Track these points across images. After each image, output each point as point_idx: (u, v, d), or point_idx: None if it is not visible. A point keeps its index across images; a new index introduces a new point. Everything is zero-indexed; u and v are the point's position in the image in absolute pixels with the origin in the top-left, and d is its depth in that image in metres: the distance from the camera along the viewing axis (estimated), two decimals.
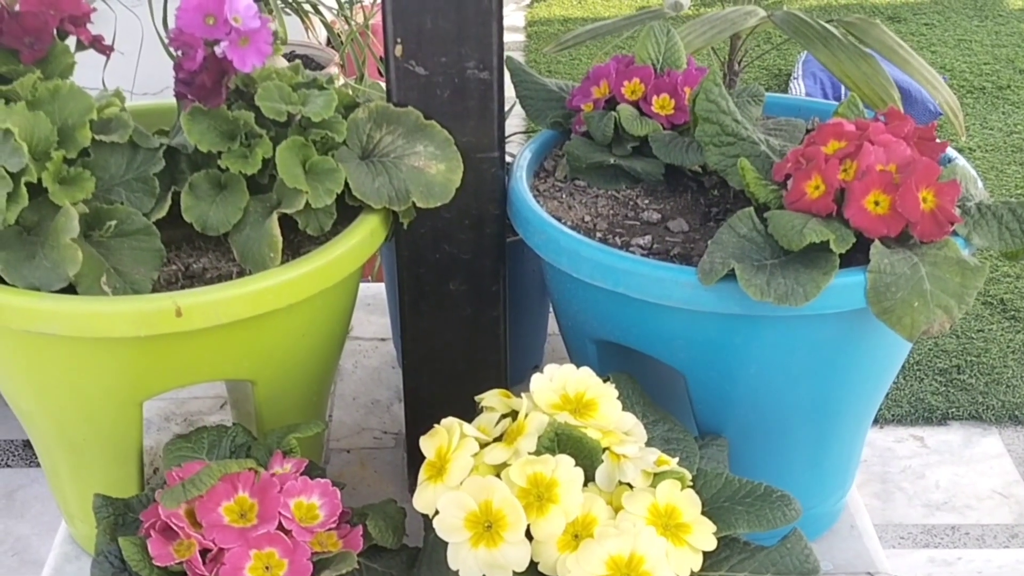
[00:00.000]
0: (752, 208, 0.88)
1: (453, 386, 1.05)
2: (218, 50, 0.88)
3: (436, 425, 0.85)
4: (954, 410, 2.38)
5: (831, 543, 1.03)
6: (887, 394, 2.38)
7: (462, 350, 1.04)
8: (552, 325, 1.29)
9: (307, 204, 0.89)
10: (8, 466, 1.89)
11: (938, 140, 0.91)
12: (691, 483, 0.84)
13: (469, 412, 0.96)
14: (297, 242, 0.94)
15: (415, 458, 1.08)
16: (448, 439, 0.83)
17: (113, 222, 0.87)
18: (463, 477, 0.81)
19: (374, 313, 1.37)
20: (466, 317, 1.03)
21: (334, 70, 2.04)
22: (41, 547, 1.73)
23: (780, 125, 1.02)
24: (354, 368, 1.28)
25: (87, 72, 1.03)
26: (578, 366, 0.87)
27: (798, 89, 3.00)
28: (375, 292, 1.39)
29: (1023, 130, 3.16)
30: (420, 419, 1.07)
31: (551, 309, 1.27)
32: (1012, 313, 2.59)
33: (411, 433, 1.08)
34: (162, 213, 0.90)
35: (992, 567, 2.03)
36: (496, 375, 1.05)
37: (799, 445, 0.97)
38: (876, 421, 2.34)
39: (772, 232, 0.86)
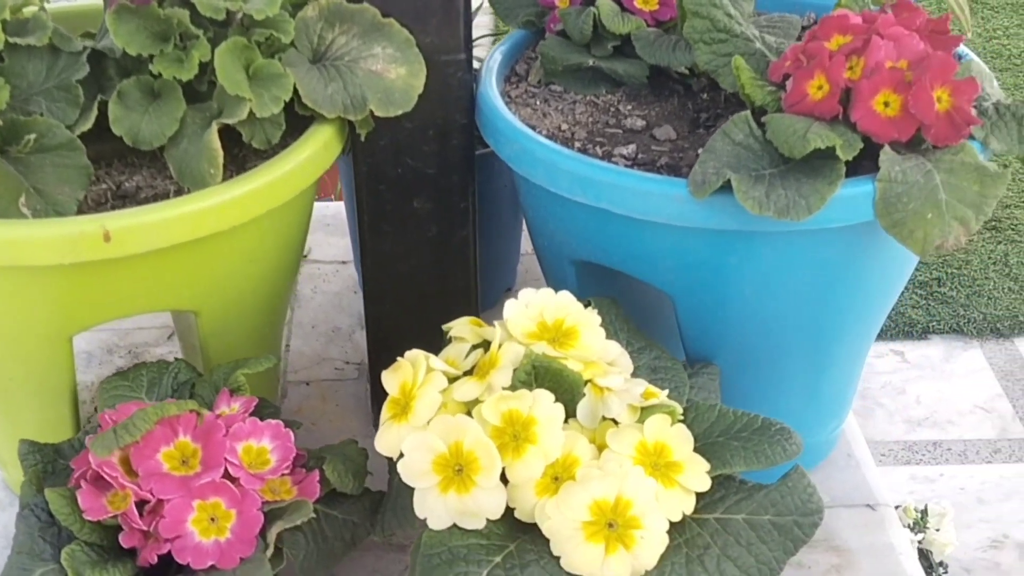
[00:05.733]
0: (748, 112, 0.79)
1: (419, 314, 0.96)
2: None
3: (400, 358, 0.76)
4: (935, 324, 2.32)
5: (827, 473, 0.97)
6: None
7: (428, 274, 0.95)
8: (526, 245, 1.20)
9: (251, 113, 0.79)
10: None
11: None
12: (682, 417, 0.76)
13: (436, 342, 0.88)
14: (242, 157, 0.84)
15: (378, 392, 1.00)
16: (413, 374, 0.75)
17: (32, 136, 0.77)
18: (430, 416, 0.73)
19: (334, 234, 1.27)
20: (432, 238, 0.94)
21: None
22: None
23: (774, 22, 0.93)
24: (313, 293, 1.19)
25: None
26: (556, 290, 0.79)
27: None
28: (335, 211, 1.30)
29: (1002, 35, 3.08)
30: (383, 350, 0.98)
31: (524, 228, 1.18)
32: (993, 224, 2.53)
33: (374, 365, 1.00)
34: (88, 125, 0.80)
35: (975, 483, 1.99)
36: (466, 301, 0.97)
37: (795, 371, 0.90)
38: None
39: (771, 138, 0.77)
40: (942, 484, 1.99)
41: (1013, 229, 2.52)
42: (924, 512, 1.65)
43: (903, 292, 2.31)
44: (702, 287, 0.83)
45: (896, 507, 1.66)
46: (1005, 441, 2.09)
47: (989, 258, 2.45)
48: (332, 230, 1.28)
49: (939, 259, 2.46)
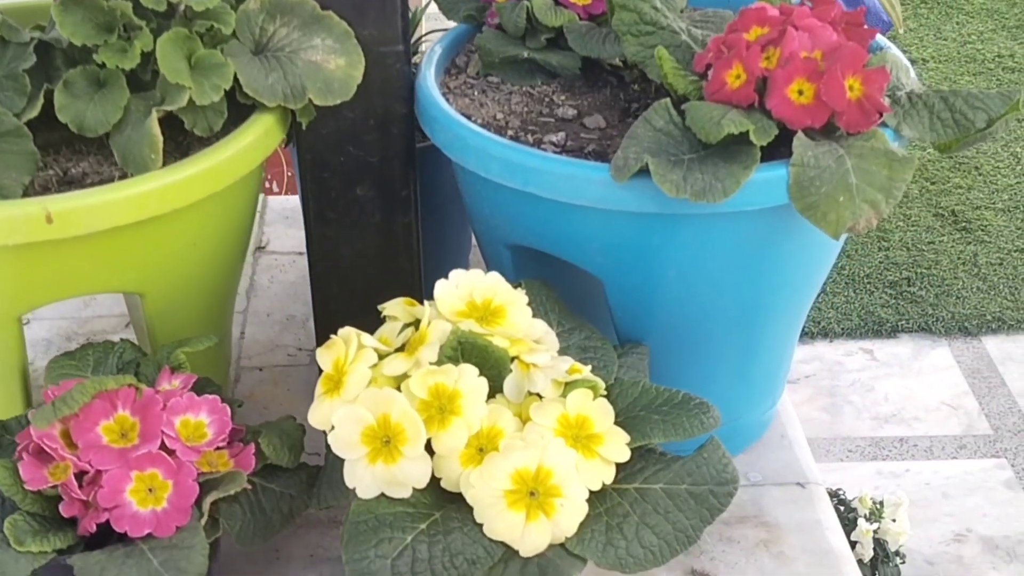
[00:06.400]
0: (668, 100, 0.82)
1: (364, 299, 0.99)
2: None
3: (333, 336, 0.79)
4: (904, 322, 2.35)
5: (760, 453, 1.00)
6: (837, 307, 2.36)
7: (373, 260, 0.98)
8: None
9: (191, 101, 0.82)
10: None
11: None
12: (605, 392, 0.79)
13: (380, 326, 0.91)
14: (187, 144, 0.87)
15: None
16: (345, 350, 0.78)
17: None
18: (360, 390, 0.76)
19: (292, 227, 1.30)
20: (376, 224, 0.97)
21: None
22: None
23: (707, 17, 0.96)
24: (270, 283, 1.22)
25: None
26: None
27: None
28: (294, 205, 1.33)
29: (976, 40, 3.11)
30: (331, 334, 1.01)
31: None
32: (963, 225, 2.56)
33: None
34: (34, 112, 0.83)
35: (939, 478, 2.02)
36: (410, 286, 1.00)
37: (724, 353, 0.93)
38: (825, 335, 2.32)
39: (690, 124, 0.80)
40: (908, 479, 2.02)
41: (983, 230, 2.55)
42: (880, 503, 1.68)
43: (873, 291, 2.36)
44: (629, 269, 0.86)
45: (853, 498, 1.70)
46: (971, 437, 2.12)
47: (959, 258, 2.48)
48: (291, 223, 1.31)
49: (909, 259, 2.50)
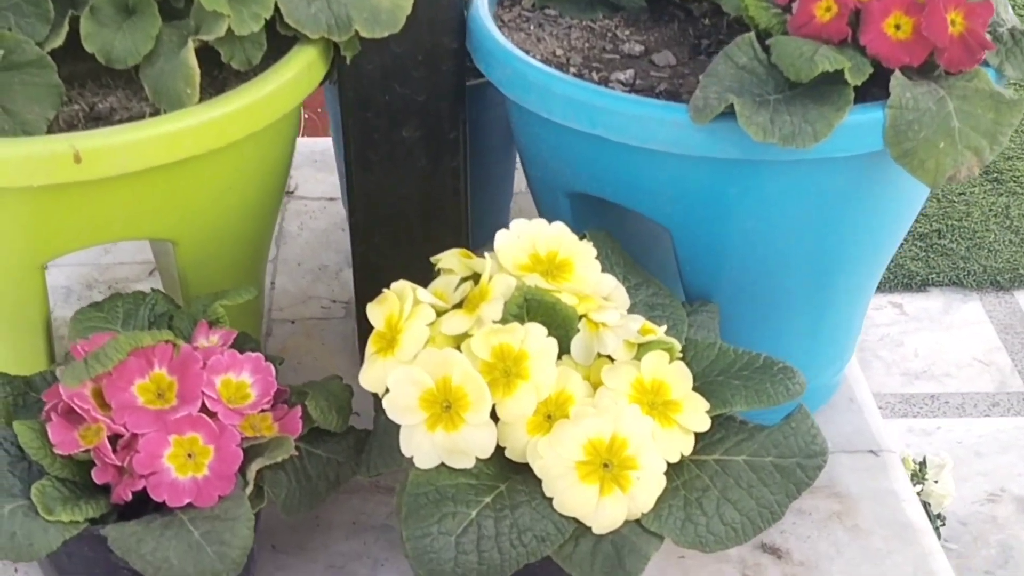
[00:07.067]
0: (752, 34, 0.75)
1: (408, 249, 0.93)
2: None
3: (386, 290, 0.73)
4: (934, 276, 2.29)
5: (828, 418, 0.93)
6: None
7: (417, 207, 0.92)
8: (519, 182, 1.17)
9: (229, 31, 0.75)
10: None
11: None
12: (680, 355, 0.73)
13: (426, 279, 0.84)
14: (222, 79, 0.80)
15: (365, 331, 0.97)
16: (399, 306, 0.71)
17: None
18: (417, 350, 0.70)
19: (322, 170, 1.23)
20: (422, 169, 0.90)
21: None
22: None
23: None
24: (299, 230, 1.15)
25: None
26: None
27: None
28: (323, 148, 1.26)
29: None
30: (371, 286, 0.94)
31: (517, 163, 1.14)
32: (995, 175, 2.49)
33: (361, 302, 0.96)
34: (58, 42, 0.76)
35: (972, 436, 1.97)
36: (456, 235, 0.93)
37: (796, 310, 0.86)
38: None
39: (776, 61, 0.73)
40: (939, 437, 1.97)
41: (1015, 181, 2.49)
42: (923, 464, 1.63)
43: (903, 244, 2.29)
44: (702, 219, 0.79)
45: None
46: (1003, 395, 2.07)
47: (990, 210, 2.41)
48: (320, 166, 1.24)
49: (939, 211, 2.43)
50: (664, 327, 0.73)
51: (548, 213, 0.90)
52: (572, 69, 0.82)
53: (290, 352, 1.00)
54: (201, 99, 0.75)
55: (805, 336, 0.89)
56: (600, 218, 0.86)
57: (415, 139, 0.89)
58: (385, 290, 0.73)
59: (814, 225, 0.80)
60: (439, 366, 0.68)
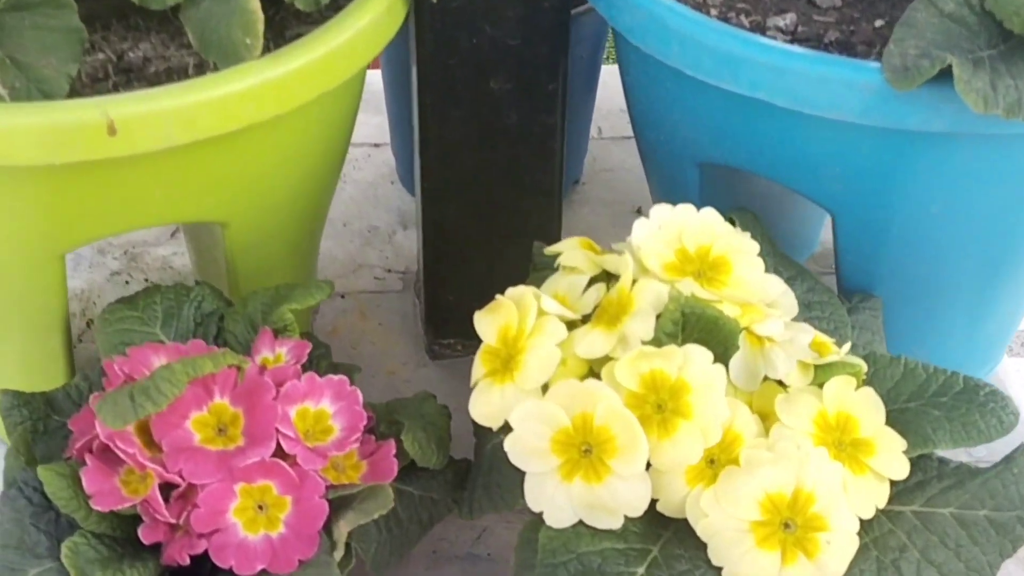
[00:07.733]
0: None
1: (488, 218, 0.78)
2: None
3: (499, 296, 0.58)
4: None
5: None
6: None
7: (503, 170, 0.77)
8: (593, 128, 1.02)
9: None
10: None
11: None
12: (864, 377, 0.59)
13: (510, 256, 0.71)
14: (279, 21, 0.65)
15: (433, 310, 0.83)
16: (519, 318, 0.57)
17: None
18: (545, 376, 0.55)
19: (366, 110, 1.06)
20: (510, 127, 0.75)
21: None
22: None
23: None
24: (342, 183, 0.99)
25: None
26: (671, 200, 0.61)
27: None
28: (369, 81, 1.09)
29: None
30: (442, 259, 0.81)
31: (592, 110, 0.99)
32: None
33: (429, 277, 0.81)
34: None
35: None
36: (547, 206, 0.79)
37: (957, 306, 0.73)
38: None
39: (991, 8, 0.58)
40: None
41: None
42: None
43: None
44: (875, 201, 0.65)
45: None
46: None
47: None
48: (364, 104, 1.07)
49: None
50: (848, 345, 0.59)
51: (665, 185, 0.75)
52: (714, 11, 0.66)
53: (342, 333, 0.86)
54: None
55: (963, 333, 0.75)
56: (725, 192, 0.71)
57: (505, 91, 0.73)
58: (498, 296, 0.58)
59: (1001, 211, 0.66)
60: (578, 399, 0.54)
